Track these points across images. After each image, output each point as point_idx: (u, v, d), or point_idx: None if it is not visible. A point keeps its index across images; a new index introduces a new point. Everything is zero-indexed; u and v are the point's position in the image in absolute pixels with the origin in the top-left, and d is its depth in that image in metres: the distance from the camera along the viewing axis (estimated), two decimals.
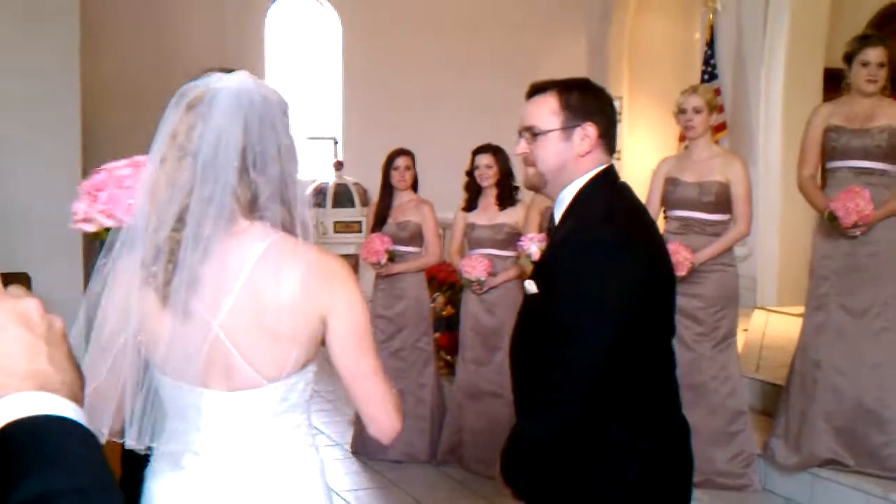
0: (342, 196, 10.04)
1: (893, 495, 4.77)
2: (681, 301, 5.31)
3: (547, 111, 2.53)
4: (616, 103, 8.74)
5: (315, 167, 11.14)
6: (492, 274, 6.15)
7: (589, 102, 2.52)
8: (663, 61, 9.62)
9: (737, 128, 8.66)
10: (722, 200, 5.34)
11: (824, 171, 5.20)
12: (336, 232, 9.62)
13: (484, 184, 6.27)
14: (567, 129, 2.49)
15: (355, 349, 2.06)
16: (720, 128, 8.43)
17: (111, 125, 8.44)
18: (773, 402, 5.86)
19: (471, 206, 6.37)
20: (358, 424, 6.52)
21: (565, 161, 2.51)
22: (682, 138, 8.60)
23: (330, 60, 11.31)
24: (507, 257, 6.20)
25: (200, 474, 2.06)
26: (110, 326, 2.03)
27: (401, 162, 6.39)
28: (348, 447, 6.59)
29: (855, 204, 4.91)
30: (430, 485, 5.99)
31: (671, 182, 5.52)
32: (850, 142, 5.05)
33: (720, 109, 8.01)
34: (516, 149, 2.60)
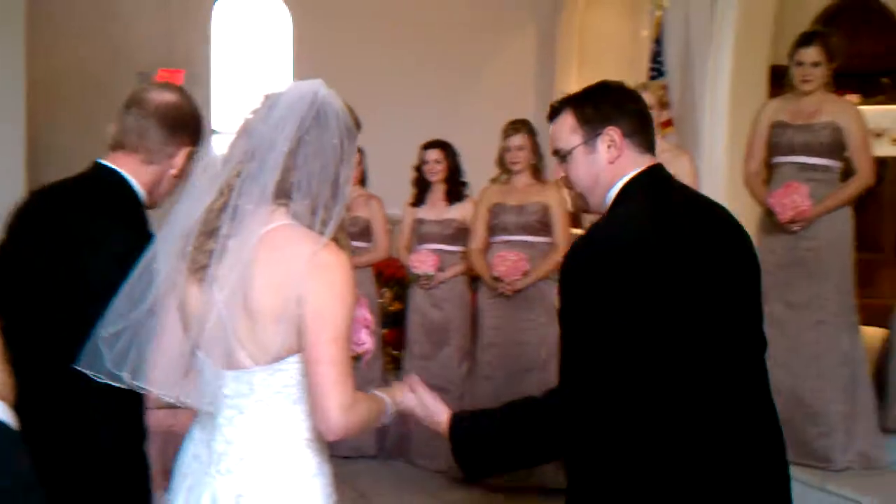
0: None
1: (829, 485, 4.86)
2: None
3: (567, 130, 2.45)
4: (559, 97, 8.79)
5: None
6: (440, 269, 6.16)
7: (605, 107, 2.43)
8: (612, 58, 9.66)
9: (683, 124, 8.73)
10: None
11: (770, 166, 5.28)
12: None
13: (432, 179, 6.29)
14: (589, 142, 2.42)
15: (316, 333, 2.11)
16: (667, 124, 8.48)
17: (57, 119, 8.34)
18: None
19: (419, 201, 6.39)
20: None
21: (597, 174, 2.43)
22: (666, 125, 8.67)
23: (279, 54, 11.25)
24: (456, 252, 6.22)
25: (210, 436, 2.25)
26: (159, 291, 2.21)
27: None
28: None
29: (791, 200, 5.00)
30: (376, 479, 6.00)
31: None
32: (794, 137, 5.13)
33: (668, 106, 8.07)
34: (554, 174, 2.51)
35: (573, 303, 2.28)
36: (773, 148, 5.21)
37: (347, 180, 2.22)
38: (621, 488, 2.25)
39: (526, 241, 5.88)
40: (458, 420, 2.35)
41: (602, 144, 2.41)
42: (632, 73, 8.95)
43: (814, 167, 5.11)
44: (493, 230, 5.97)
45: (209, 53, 10.55)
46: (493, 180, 6.10)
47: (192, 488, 2.27)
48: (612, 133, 2.40)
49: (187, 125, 2.74)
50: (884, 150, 7.32)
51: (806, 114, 5.14)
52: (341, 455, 6.22)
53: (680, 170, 5.39)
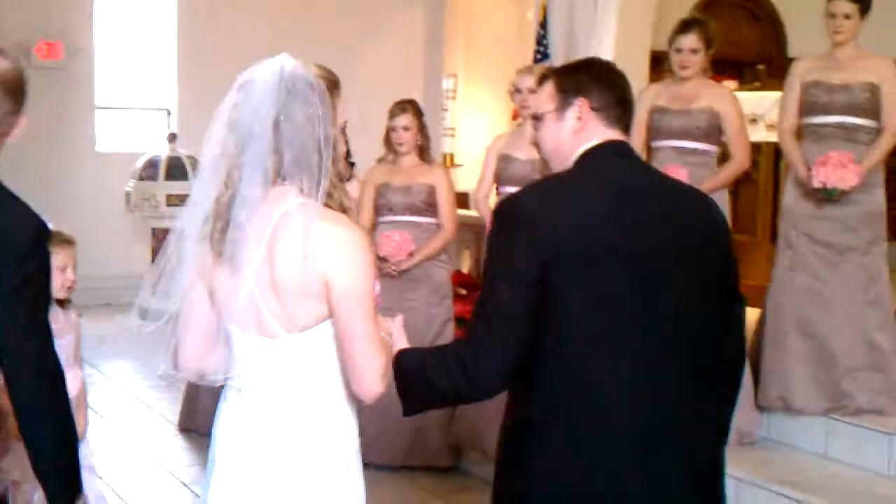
0: (175, 169, 9.82)
1: None
2: None
3: (545, 96, 2.55)
4: (451, 81, 8.83)
5: (147, 139, 10.90)
6: None
7: (582, 79, 2.52)
8: (499, 40, 9.74)
9: None
10: None
11: (650, 149, 5.40)
12: (169, 205, 9.42)
13: None
14: (560, 109, 2.51)
15: (348, 310, 2.28)
16: None
17: None
18: None
19: None
20: (186, 400, 6.44)
21: (561, 141, 2.52)
22: (514, 116, 8.75)
23: (164, 30, 11.05)
24: None
25: (242, 405, 2.42)
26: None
27: None
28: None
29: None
30: None
31: (504, 159, 5.66)
32: (673, 122, 5.27)
33: None
34: (530, 138, 2.64)
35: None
36: (653, 132, 5.34)
37: (331, 140, 2.33)
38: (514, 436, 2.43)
39: (412, 222, 5.92)
40: (400, 354, 2.46)
41: (571, 114, 2.50)
42: (518, 56, 9.05)
43: (692, 151, 5.26)
44: (378, 210, 5.98)
45: (91, 26, 10.31)
46: (380, 160, 6.11)
47: (229, 458, 2.44)
48: (582, 104, 2.49)
49: (25, 92, 2.56)
50: (759, 135, 7.53)
51: (684, 99, 5.28)
52: None
53: None
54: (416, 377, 2.43)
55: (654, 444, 2.35)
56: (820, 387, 5.13)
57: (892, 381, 5.13)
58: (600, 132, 2.49)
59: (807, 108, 5.26)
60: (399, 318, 2.55)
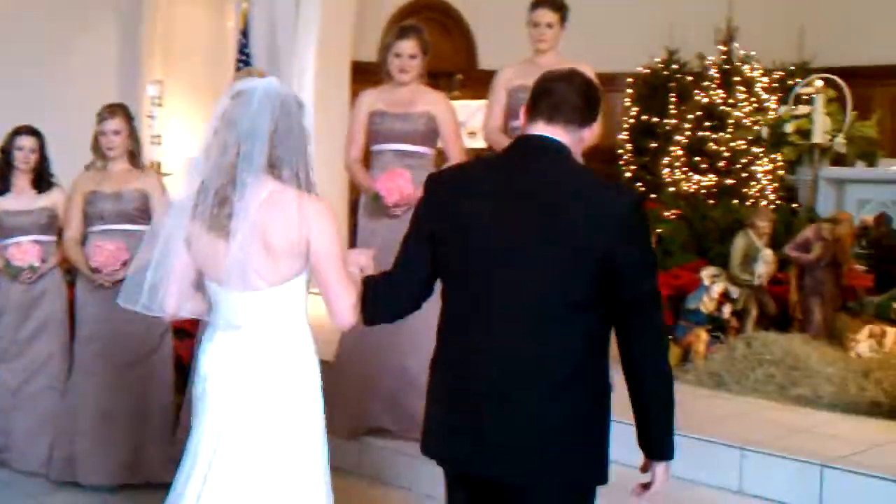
0: None
1: None
2: None
3: None
4: (156, 87, 8.59)
5: None
6: (43, 260, 5.83)
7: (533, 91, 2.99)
8: (199, 47, 9.56)
9: None
10: None
11: (370, 153, 5.49)
12: None
13: (22, 167, 5.91)
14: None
15: (326, 263, 3.06)
16: None
17: None
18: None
19: (3, 190, 5.98)
20: None
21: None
22: None
23: None
24: (51, 242, 5.91)
25: (227, 343, 3.16)
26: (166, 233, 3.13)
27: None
28: None
29: (396, 184, 5.25)
30: None
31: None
32: (393, 126, 5.39)
33: None
34: None
35: None
36: (373, 136, 5.43)
37: (306, 144, 3.11)
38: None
39: (125, 230, 5.67)
40: (364, 281, 3.12)
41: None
42: (219, 64, 8.95)
43: (411, 154, 5.39)
44: (89, 219, 5.70)
45: None
46: (88, 167, 5.84)
47: (211, 396, 3.17)
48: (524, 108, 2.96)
49: None
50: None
51: (403, 103, 5.41)
52: None
53: None
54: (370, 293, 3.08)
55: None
56: None
57: None
58: (528, 127, 2.92)
59: (514, 111, 5.53)
60: (371, 251, 3.31)
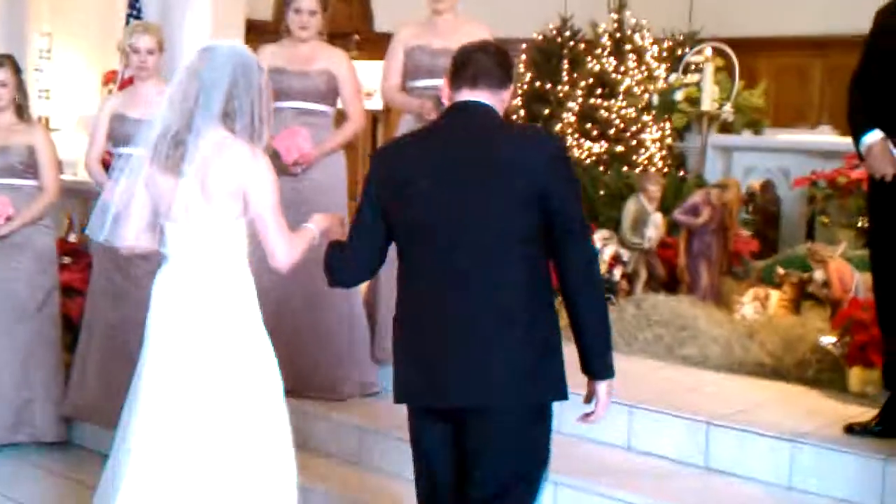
0: None
1: (334, 414, 5.22)
2: None
3: None
4: (45, 40, 8.35)
5: None
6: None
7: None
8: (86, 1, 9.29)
9: (167, 72, 8.66)
10: None
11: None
12: None
13: None
14: None
15: (262, 209, 3.41)
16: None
17: None
18: None
19: None
20: None
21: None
22: (108, 79, 8.44)
23: None
24: None
25: (173, 273, 3.53)
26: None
27: None
28: None
29: (295, 143, 5.22)
30: None
31: (117, 119, 5.46)
32: (292, 83, 5.33)
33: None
34: None
35: None
36: (273, 93, 5.33)
37: (267, 109, 3.50)
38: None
39: (10, 185, 5.55)
40: (329, 245, 3.45)
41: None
42: (109, 18, 8.72)
43: (311, 112, 5.36)
44: None
45: None
46: None
47: (163, 311, 3.52)
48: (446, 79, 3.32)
49: None
50: None
51: (302, 60, 5.36)
52: None
53: None
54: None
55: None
56: None
57: None
58: (452, 97, 3.29)
59: (412, 71, 5.54)
60: (337, 216, 3.76)
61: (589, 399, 3.21)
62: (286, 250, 3.45)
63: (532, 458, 3.22)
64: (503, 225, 3.08)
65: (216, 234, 3.44)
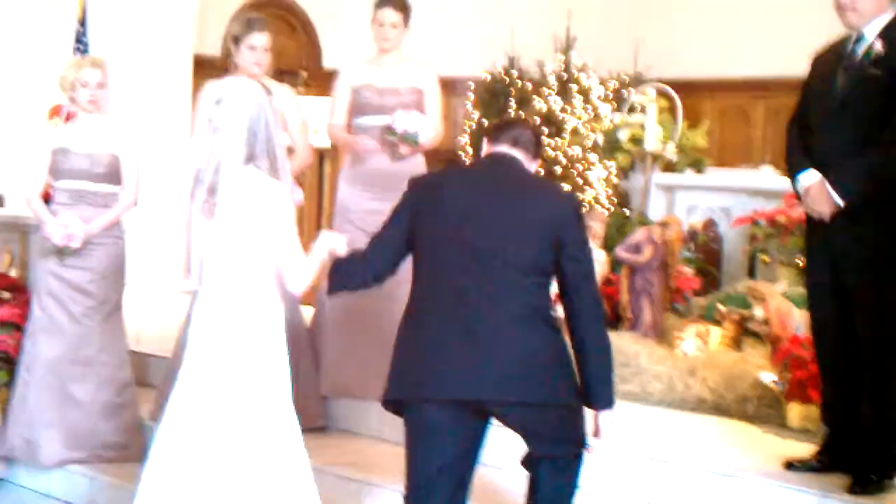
0: None
1: None
2: (70, 274, 5.33)
3: None
4: None
5: None
6: None
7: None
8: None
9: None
10: (113, 172, 5.41)
11: None
12: None
13: None
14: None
15: (279, 238, 3.74)
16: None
17: None
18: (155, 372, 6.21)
19: None
20: None
21: None
22: (54, 113, 8.36)
23: None
24: None
25: (207, 301, 3.87)
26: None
27: None
28: None
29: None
30: None
31: (61, 153, 5.44)
32: None
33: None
34: None
35: None
36: None
37: (280, 143, 3.85)
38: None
39: None
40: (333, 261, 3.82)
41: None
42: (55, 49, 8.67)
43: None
44: None
45: None
46: None
47: (200, 347, 3.84)
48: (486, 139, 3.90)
49: None
50: None
51: None
52: None
53: (123, 147, 5.42)
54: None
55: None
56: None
57: None
58: (487, 149, 3.86)
59: (358, 109, 5.60)
60: (345, 237, 3.87)
61: (596, 433, 3.66)
62: (299, 276, 3.80)
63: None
64: (526, 250, 3.54)
65: (247, 264, 3.80)
